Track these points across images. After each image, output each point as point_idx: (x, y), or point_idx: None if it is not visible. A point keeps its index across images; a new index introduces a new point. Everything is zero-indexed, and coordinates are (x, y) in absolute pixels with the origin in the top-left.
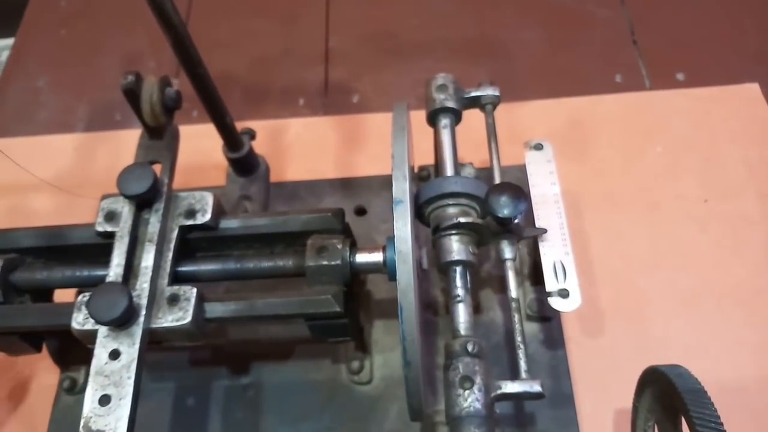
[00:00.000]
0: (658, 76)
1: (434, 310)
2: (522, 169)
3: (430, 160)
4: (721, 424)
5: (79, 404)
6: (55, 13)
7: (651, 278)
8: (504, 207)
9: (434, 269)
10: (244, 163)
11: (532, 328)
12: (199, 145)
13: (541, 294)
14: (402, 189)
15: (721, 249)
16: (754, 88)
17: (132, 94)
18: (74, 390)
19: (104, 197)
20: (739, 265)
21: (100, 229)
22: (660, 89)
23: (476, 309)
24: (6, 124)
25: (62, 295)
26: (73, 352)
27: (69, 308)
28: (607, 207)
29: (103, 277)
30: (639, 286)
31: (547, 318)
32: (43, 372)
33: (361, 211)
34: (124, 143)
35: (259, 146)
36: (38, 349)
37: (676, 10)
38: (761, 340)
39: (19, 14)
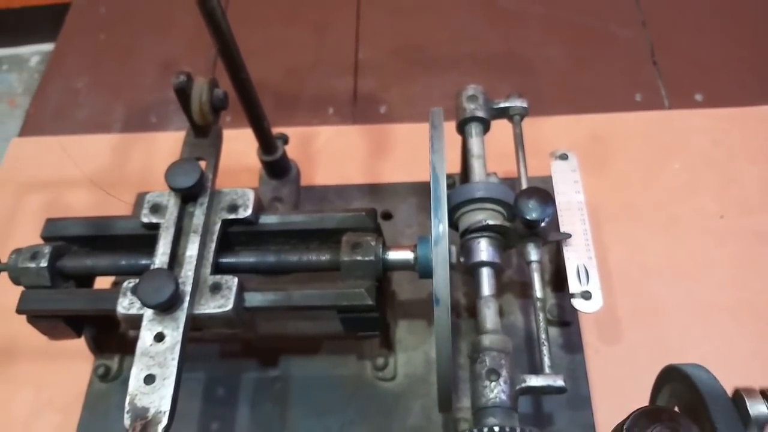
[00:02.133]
0: (676, 96)
1: (457, 312)
2: (545, 180)
3: (454, 169)
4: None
5: (113, 391)
6: (95, 19)
7: (668, 289)
8: (532, 210)
9: (456, 273)
10: (277, 166)
11: (552, 332)
12: (233, 148)
13: (562, 300)
14: (441, 162)
15: (737, 264)
16: None
17: (182, 93)
18: (108, 377)
19: (139, 195)
20: (755, 279)
21: (145, 220)
22: (678, 109)
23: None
24: (45, 123)
25: (100, 285)
26: (108, 341)
27: (114, 293)
28: (626, 219)
29: (146, 266)
30: (656, 296)
31: (567, 323)
32: (76, 359)
33: (387, 216)
34: (159, 145)
35: (290, 151)
36: (79, 334)
37: (696, 32)
38: None
39: (54, 23)
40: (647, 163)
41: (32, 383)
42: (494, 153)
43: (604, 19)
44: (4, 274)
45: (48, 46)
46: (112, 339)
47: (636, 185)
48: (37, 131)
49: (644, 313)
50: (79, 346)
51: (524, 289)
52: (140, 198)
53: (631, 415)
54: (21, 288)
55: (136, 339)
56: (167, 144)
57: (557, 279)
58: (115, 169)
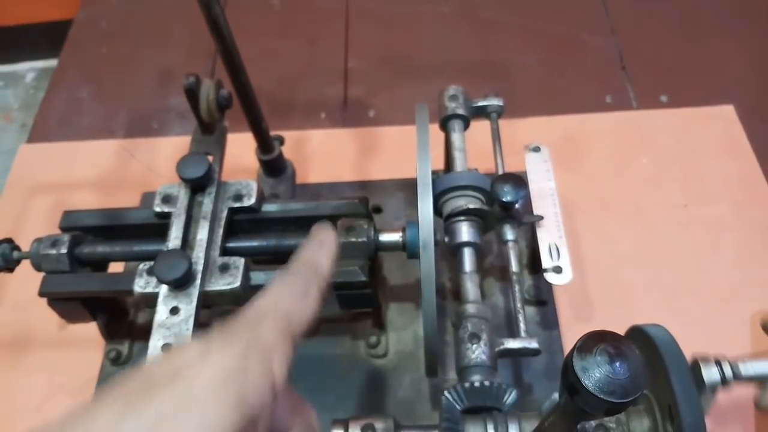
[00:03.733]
0: (644, 98)
1: (443, 294)
2: (521, 174)
3: (439, 166)
4: (689, 368)
5: None
6: (97, 33)
7: (637, 273)
8: (507, 193)
9: (442, 261)
10: (274, 165)
11: (530, 311)
12: (231, 151)
13: (538, 281)
14: (425, 142)
15: (699, 249)
16: (729, 110)
17: (192, 93)
18: (119, 361)
19: (144, 195)
20: (715, 263)
21: (158, 209)
22: (646, 109)
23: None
24: (52, 130)
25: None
26: (119, 328)
27: (130, 276)
28: (598, 211)
29: (158, 251)
30: (626, 280)
31: (544, 302)
32: (85, 348)
33: (377, 210)
34: (160, 149)
35: (285, 153)
36: (94, 317)
37: (661, 39)
38: (734, 328)
39: (49, 40)
40: (617, 159)
41: (45, 370)
42: (476, 153)
43: (577, 28)
44: (18, 274)
45: (43, 63)
46: (123, 326)
47: (607, 179)
48: (44, 138)
49: (614, 294)
50: (88, 335)
51: (504, 274)
52: (145, 197)
53: (581, 337)
54: (32, 285)
55: (144, 325)
56: (168, 148)
57: (533, 263)
58: (119, 172)
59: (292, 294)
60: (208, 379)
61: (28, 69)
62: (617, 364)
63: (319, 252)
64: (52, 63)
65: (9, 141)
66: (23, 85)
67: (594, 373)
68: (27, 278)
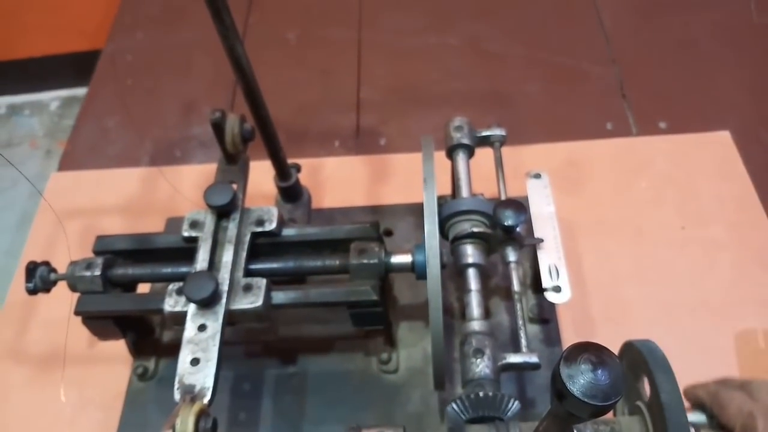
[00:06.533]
0: (643, 125)
1: (451, 314)
2: (523, 199)
3: (445, 191)
4: (673, 373)
5: (150, 389)
6: (123, 66)
7: (635, 292)
8: (509, 217)
9: (449, 282)
10: (291, 191)
11: (533, 328)
12: (251, 177)
13: (541, 300)
14: (431, 178)
15: (695, 268)
16: (725, 135)
17: (218, 127)
18: (146, 376)
19: (169, 220)
20: (711, 281)
21: (186, 234)
22: (645, 135)
23: (486, 313)
24: (81, 159)
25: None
26: (146, 345)
27: (159, 296)
28: (598, 232)
29: (185, 273)
30: (625, 298)
31: (546, 320)
32: (113, 364)
33: (388, 233)
34: (183, 176)
35: (301, 179)
36: (124, 335)
37: (660, 68)
38: (728, 343)
39: (72, 70)
40: (617, 183)
41: (76, 384)
42: (483, 178)
43: (578, 58)
44: (53, 296)
45: (67, 92)
46: (149, 343)
47: (607, 202)
48: (73, 166)
49: (615, 312)
50: (116, 352)
51: (509, 293)
52: (169, 222)
53: (567, 348)
54: (64, 305)
55: (170, 343)
56: (191, 175)
57: (536, 283)
58: (144, 198)
59: None
60: None
61: (53, 98)
62: (599, 371)
63: None
64: (75, 92)
65: (35, 167)
66: (48, 113)
67: (579, 380)
68: (59, 299)
